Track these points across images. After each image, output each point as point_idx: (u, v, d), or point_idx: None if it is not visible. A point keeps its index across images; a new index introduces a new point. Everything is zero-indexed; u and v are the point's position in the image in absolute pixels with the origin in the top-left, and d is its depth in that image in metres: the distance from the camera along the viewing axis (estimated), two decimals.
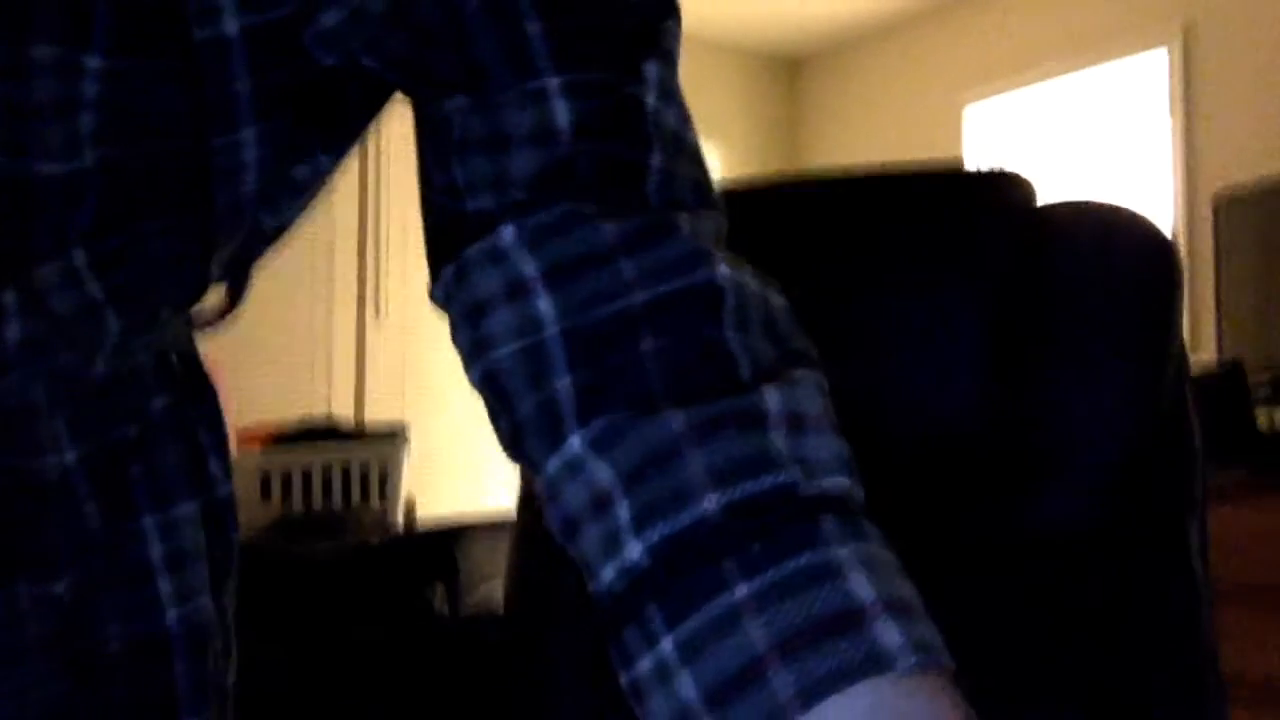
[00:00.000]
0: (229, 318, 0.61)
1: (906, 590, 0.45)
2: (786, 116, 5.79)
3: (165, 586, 0.61)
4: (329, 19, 0.48)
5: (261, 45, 0.48)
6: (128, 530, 0.60)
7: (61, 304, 0.50)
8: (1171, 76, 4.14)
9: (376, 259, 4.67)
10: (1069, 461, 0.78)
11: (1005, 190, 0.82)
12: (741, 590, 0.42)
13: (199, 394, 0.67)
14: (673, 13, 0.52)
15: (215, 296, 0.60)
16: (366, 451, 2.93)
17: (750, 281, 0.50)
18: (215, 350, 0.64)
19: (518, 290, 0.48)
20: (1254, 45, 3.91)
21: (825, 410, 0.49)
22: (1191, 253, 3.98)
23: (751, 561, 0.43)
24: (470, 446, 4.83)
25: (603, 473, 0.45)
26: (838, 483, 0.46)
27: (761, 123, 5.72)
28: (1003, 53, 4.78)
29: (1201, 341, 3.90)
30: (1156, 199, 4.08)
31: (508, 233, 0.48)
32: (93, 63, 0.45)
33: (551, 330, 0.47)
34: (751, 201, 0.87)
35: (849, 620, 0.42)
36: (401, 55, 0.51)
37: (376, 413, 4.53)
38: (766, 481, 0.44)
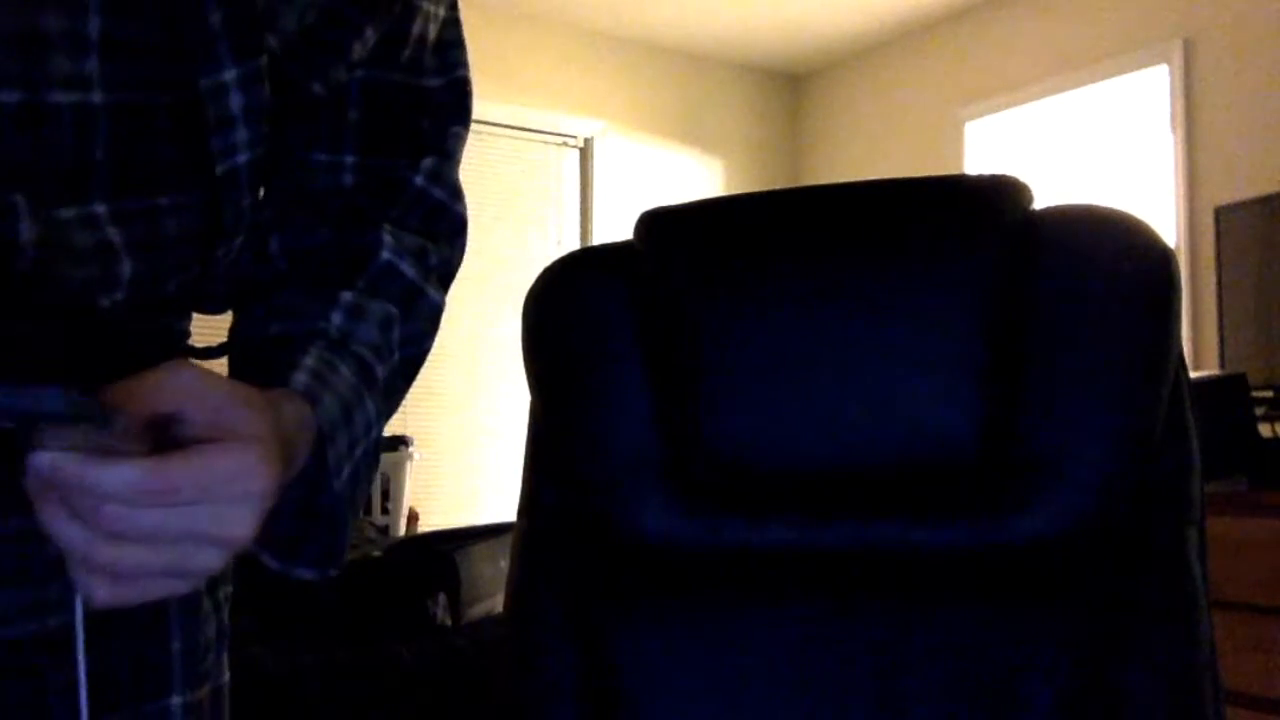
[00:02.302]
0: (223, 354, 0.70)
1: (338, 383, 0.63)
2: (788, 132, 5.81)
3: None
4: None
5: None
6: None
7: (80, 242, 0.57)
8: (1172, 93, 4.15)
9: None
10: (1066, 468, 0.78)
11: (1002, 195, 0.82)
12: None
13: None
14: (461, 122, 0.75)
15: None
16: None
17: (410, 269, 0.70)
18: (220, 363, 0.66)
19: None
20: (1254, 61, 3.92)
21: (385, 320, 0.69)
22: (1194, 267, 3.98)
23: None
24: (470, 458, 4.83)
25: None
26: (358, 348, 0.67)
27: (763, 138, 5.73)
28: (1004, 70, 4.79)
29: (1204, 355, 3.90)
30: (1158, 214, 4.08)
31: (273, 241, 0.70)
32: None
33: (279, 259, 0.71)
34: (751, 210, 0.88)
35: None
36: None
37: None
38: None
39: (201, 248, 0.63)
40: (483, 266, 4.91)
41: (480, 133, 4.95)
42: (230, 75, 0.59)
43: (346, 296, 0.67)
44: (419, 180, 0.72)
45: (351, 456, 0.63)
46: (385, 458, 2.98)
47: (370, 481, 0.68)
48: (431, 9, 0.72)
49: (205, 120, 0.59)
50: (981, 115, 4.86)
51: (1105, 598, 0.78)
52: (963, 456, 0.79)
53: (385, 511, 2.85)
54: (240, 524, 0.49)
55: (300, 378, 0.60)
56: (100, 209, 0.57)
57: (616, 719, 0.84)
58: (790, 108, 5.82)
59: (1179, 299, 0.80)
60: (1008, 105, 4.76)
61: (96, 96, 0.55)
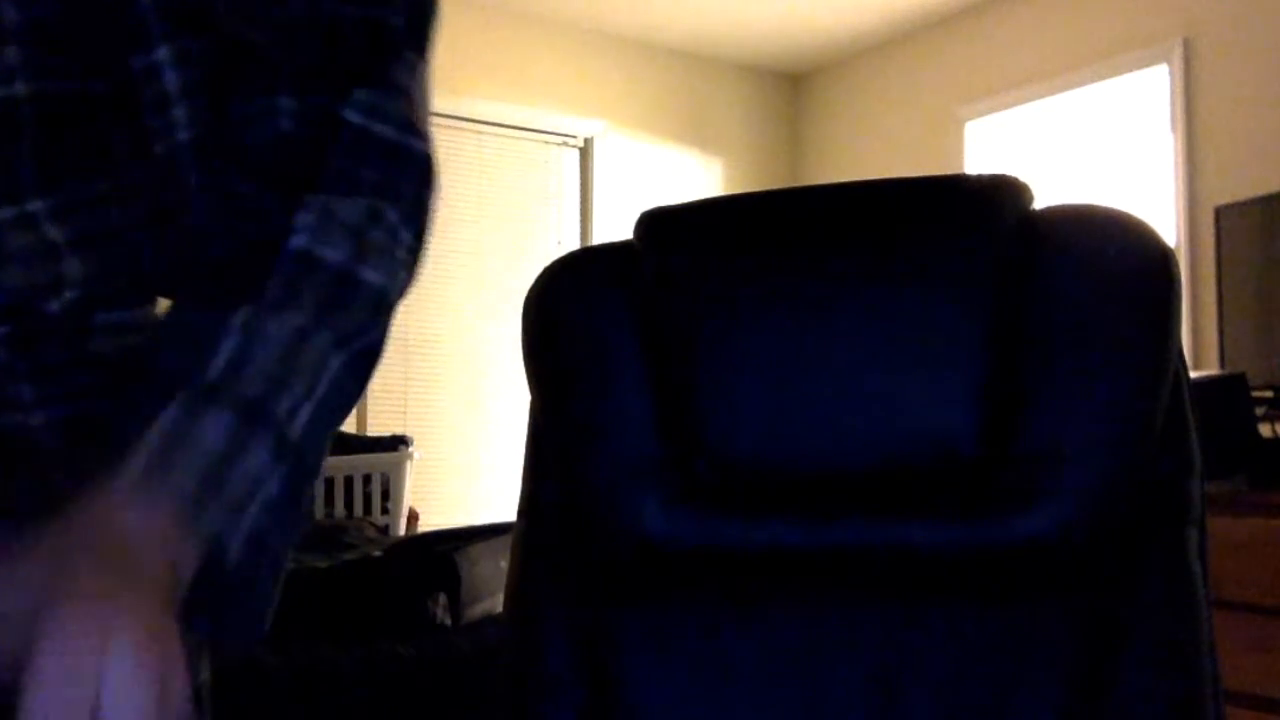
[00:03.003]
0: None
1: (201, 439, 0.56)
2: (788, 132, 5.81)
3: None
4: None
5: None
6: None
7: (16, 242, 0.54)
8: (1173, 92, 4.15)
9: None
10: (1066, 468, 0.78)
11: (1002, 195, 0.82)
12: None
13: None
14: (414, 48, 0.66)
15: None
16: (370, 461, 2.93)
17: (335, 253, 0.62)
18: None
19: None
20: (1254, 61, 3.91)
21: (291, 343, 0.60)
22: (1194, 267, 3.98)
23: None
24: (470, 458, 4.83)
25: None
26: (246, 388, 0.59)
27: (763, 138, 5.73)
28: (1004, 69, 4.79)
29: (1205, 355, 3.90)
30: (1158, 214, 4.08)
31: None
32: None
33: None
34: (751, 209, 0.88)
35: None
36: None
37: (378, 424, 4.53)
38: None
39: (152, 234, 0.60)
40: (483, 266, 4.91)
41: (480, 132, 4.95)
42: (163, 54, 0.57)
43: (235, 322, 0.58)
44: (355, 117, 0.63)
45: (239, 521, 0.55)
46: (385, 458, 2.98)
47: (293, 526, 0.61)
48: None
49: (140, 102, 0.56)
50: (981, 115, 4.86)
51: (1105, 598, 0.78)
52: (963, 456, 0.79)
53: (385, 511, 2.85)
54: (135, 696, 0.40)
55: (135, 467, 0.51)
56: (36, 206, 0.55)
57: (616, 718, 0.84)
58: (790, 108, 5.82)
59: (1179, 298, 0.80)
60: (1008, 105, 4.76)
61: (19, 88, 0.53)
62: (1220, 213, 3.51)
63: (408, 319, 4.73)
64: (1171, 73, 4.15)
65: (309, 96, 0.62)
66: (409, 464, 2.91)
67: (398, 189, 0.64)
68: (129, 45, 0.55)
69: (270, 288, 0.59)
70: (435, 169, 0.67)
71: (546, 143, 5.17)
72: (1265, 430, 2.91)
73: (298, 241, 0.60)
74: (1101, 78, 4.40)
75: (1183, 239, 4.05)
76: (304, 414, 0.58)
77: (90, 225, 0.57)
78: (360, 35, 0.63)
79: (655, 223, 0.89)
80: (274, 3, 0.60)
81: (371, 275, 0.62)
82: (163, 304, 0.65)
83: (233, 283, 0.60)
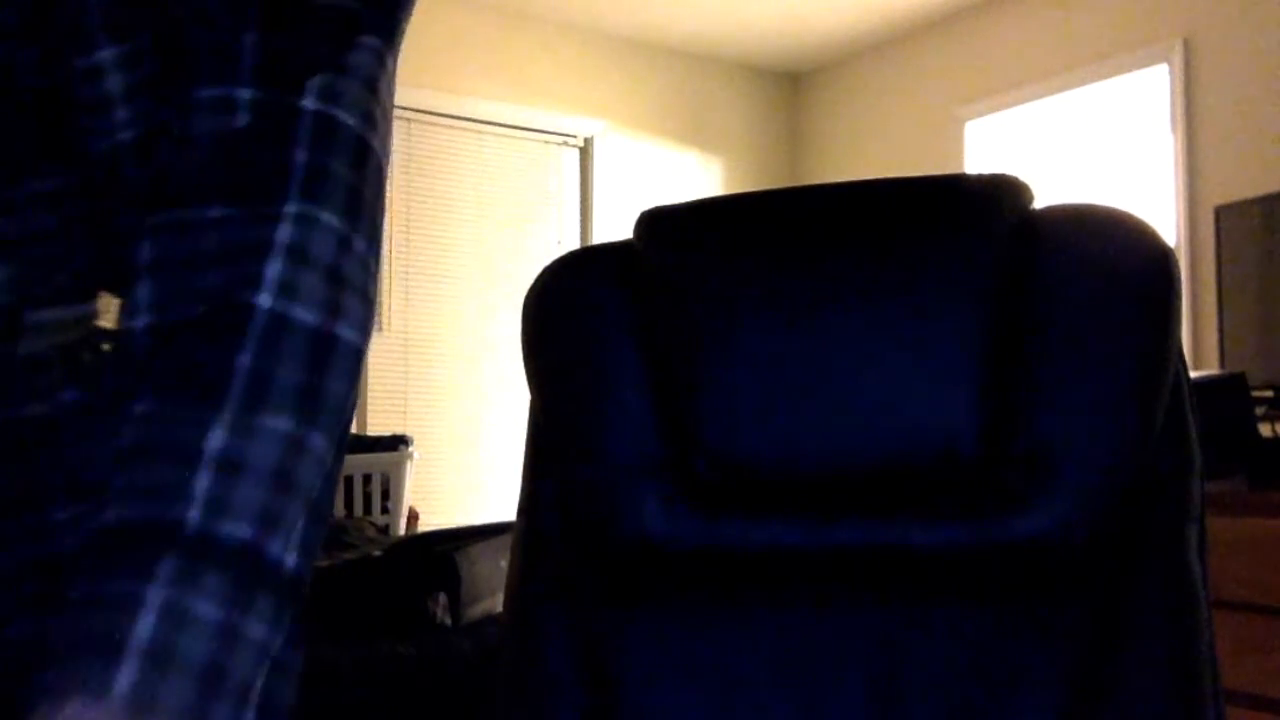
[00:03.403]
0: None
1: (187, 652, 0.47)
2: (788, 132, 5.81)
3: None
4: None
5: None
6: (29, 524, 0.58)
7: None
8: (1173, 92, 4.15)
9: (379, 273, 4.68)
10: (1066, 468, 0.78)
11: (1002, 194, 0.82)
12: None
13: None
14: (377, 32, 0.59)
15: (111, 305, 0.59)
16: (370, 461, 2.93)
17: (309, 310, 0.54)
18: None
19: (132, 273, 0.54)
20: (1254, 61, 3.91)
21: (280, 465, 0.52)
22: (1194, 267, 3.98)
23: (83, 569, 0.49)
24: (470, 458, 4.83)
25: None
26: (231, 530, 0.50)
27: (763, 138, 5.73)
28: (1004, 69, 4.79)
29: (1205, 355, 3.90)
30: (1158, 214, 4.08)
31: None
32: None
33: (140, 321, 0.53)
34: (751, 209, 0.88)
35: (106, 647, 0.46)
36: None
37: (378, 424, 4.54)
38: (156, 510, 0.49)
39: (91, 233, 0.56)
40: (483, 266, 4.91)
41: (480, 132, 4.95)
42: (107, 55, 0.53)
43: (214, 442, 0.50)
44: (312, 103, 0.56)
45: (244, 709, 0.49)
46: (385, 458, 2.98)
47: (288, 692, 0.53)
48: None
49: (79, 102, 0.53)
50: (981, 115, 4.86)
51: (1105, 597, 0.78)
52: (962, 455, 0.79)
53: (385, 511, 2.85)
54: None
55: (122, 685, 0.45)
56: None
57: (616, 718, 0.84)
58: (790, 107, 5.82)
59: (1179, 298, 0.80)
60: (1008, 105, 4.76)
61: None
62: (1220, 213, 3.50)
63: (408, 319, 4.73)
64: (1171, 73, 4.15)
65: (268, 86, 0.55)
66: (409, 464, 2.91)
67: (360, 196, 0.58)
68: (71, 45, 0.53)
69: (241, 360, 0.52)
70: (386, 174, 0.62)
71: (546, 143, 5.17)
72: (1265, 430, 2.91)
73: (262, 301, 0.53)
74: (1101, 78, 4.40)
75: (1183, 239, 4.05)
76: (297, 539, 0.52)
77: (22, 228, 0.53)
78: (324, 20, 0.57)
79: (655, 222, 0.89)
80: None
81: (348, 334, 0.55)
82: (106, 302, 0.60)
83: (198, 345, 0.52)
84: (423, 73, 4.80)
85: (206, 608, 0.48)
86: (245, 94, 0.55)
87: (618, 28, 5.23)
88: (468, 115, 4.89)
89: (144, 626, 0.46)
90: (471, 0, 4.92)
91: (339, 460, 0.56)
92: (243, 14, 0.55)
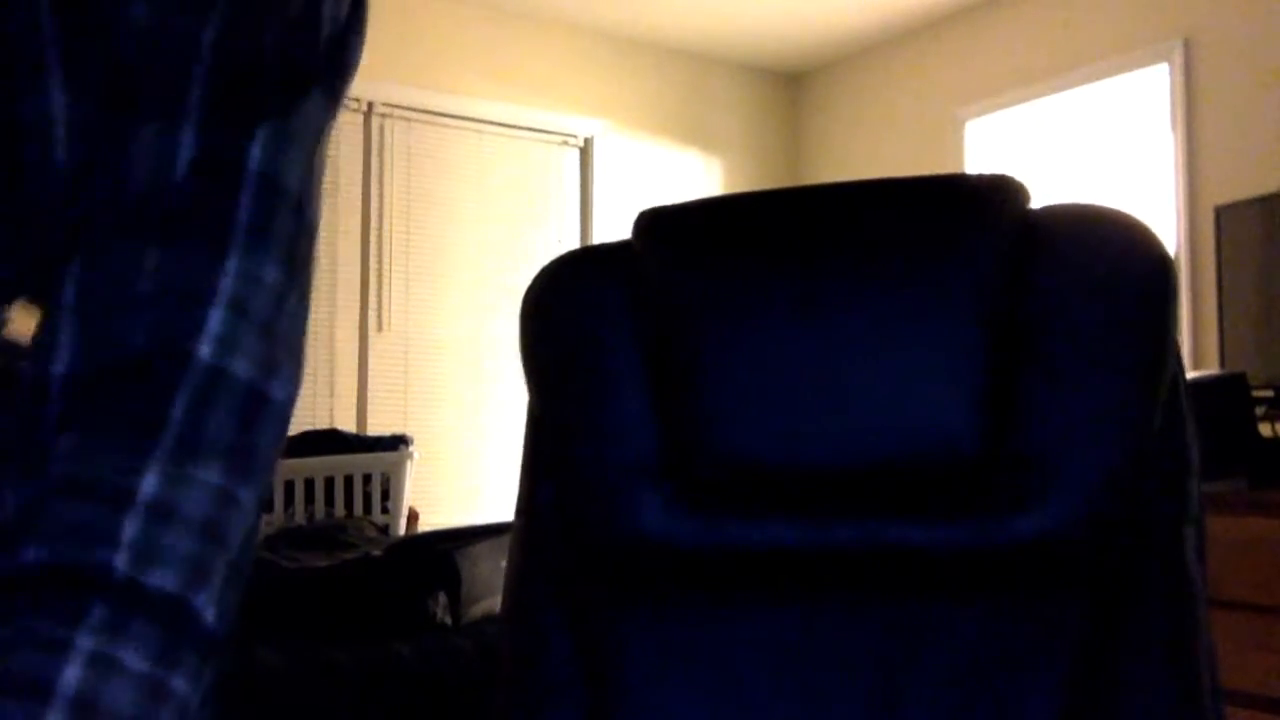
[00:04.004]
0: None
1: (113, 704, 0.46)
2: (788, 131, 5.81)
3: None
4: None
5: None
6: None
7: None
8: (1173, 92, 4.15)
9: (379, 272, 4.68)
10: (1065, 468, 0.78)
11: (1001, 194, 0.82)
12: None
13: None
14: (302, 94, 0.57)
15: (27, 318, 0.57)
16: (370, 461, 2.93)
17: (246, 366, 0.53)
18: None
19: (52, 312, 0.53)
20: (1254, 61, 3.91)
21: (209, 517, 0.51)
22: (1194, 267, 3.98)
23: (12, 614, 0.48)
24: (470, 458, 4.83)
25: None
26: (159, 582, 0.49)
27: (763, 138, 5.73)
28: (1004, 69, 4.79)
29: (1205, 355, 3.90)
30: (1158, 214, 4.08)
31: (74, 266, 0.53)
32: None
33: (60, 363, 0.52)
34: (750, 209, 0.88)
35: (33, 692, 0.45)
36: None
37: (378, 424, 4.54)
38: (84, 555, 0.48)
39: (16, 259, 0.55)
40: (483, 266, 4.91)
41: (480, 132, 4.95)
42: (57, 93, 0.52)
43: (147, 487, 0.49)
44: (257, 163, 0.55)
45: None
46: (385, 457, 2.98)
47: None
48: None
49: (20, 122, 0.51)
50: (981, 115, 4.86)
51: (1104, 596, 0.78)
52: (962, 455, 0.79)
53: (385, 511, 2.85)
54: None
55: None
56: None
57: (616, 718, 0.84)
58: (790, 107, 5.82)
59: (1176, 297, 0.80)
60: (1008, 105, 4.76)
61: None
62: (1220, 213, 3.50)
63: (408, 319, 4.73)
64: (1171, 73, 4.15)
65: (213, 132, 0.54)
66: (409, 464, 2.91)
67: (297, 252, 0.56)
68: (21, 67, 0.51)
69: (175, 408, 0.51)
70: (314, 238, 0.60)
71: (546, 143, 5.17)
72: (1265, 430, 2.92)
73: (202, 352, 0.52)
74: (1101, 77, 4.40)
75: (1183, 239, 4.05)
76: (216, 595, 0.51)
77: None
78: (273, 68, 0.56)
79: (653, 222, 0.89)
80: (187, 28, 0.53)
81: (278, 392, 0.55)
82: (20, 311, 0.58)
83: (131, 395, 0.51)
84: (423, 73, 4.80)
85: (133, 659, 0.47)
86: (189, 137, 0.54)
87: (618, 28, 5.23)
88: (468, 115, 4.89)
89: (71, 674, 0.45)
90: (472, 0, 4.92)
91: (258, 519, 0.55)
92: (194, 54, 0.54)
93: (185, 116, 0.53)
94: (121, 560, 0.48)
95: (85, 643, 0.46)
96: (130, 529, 0.48)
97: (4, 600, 0.47)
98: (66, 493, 0.49)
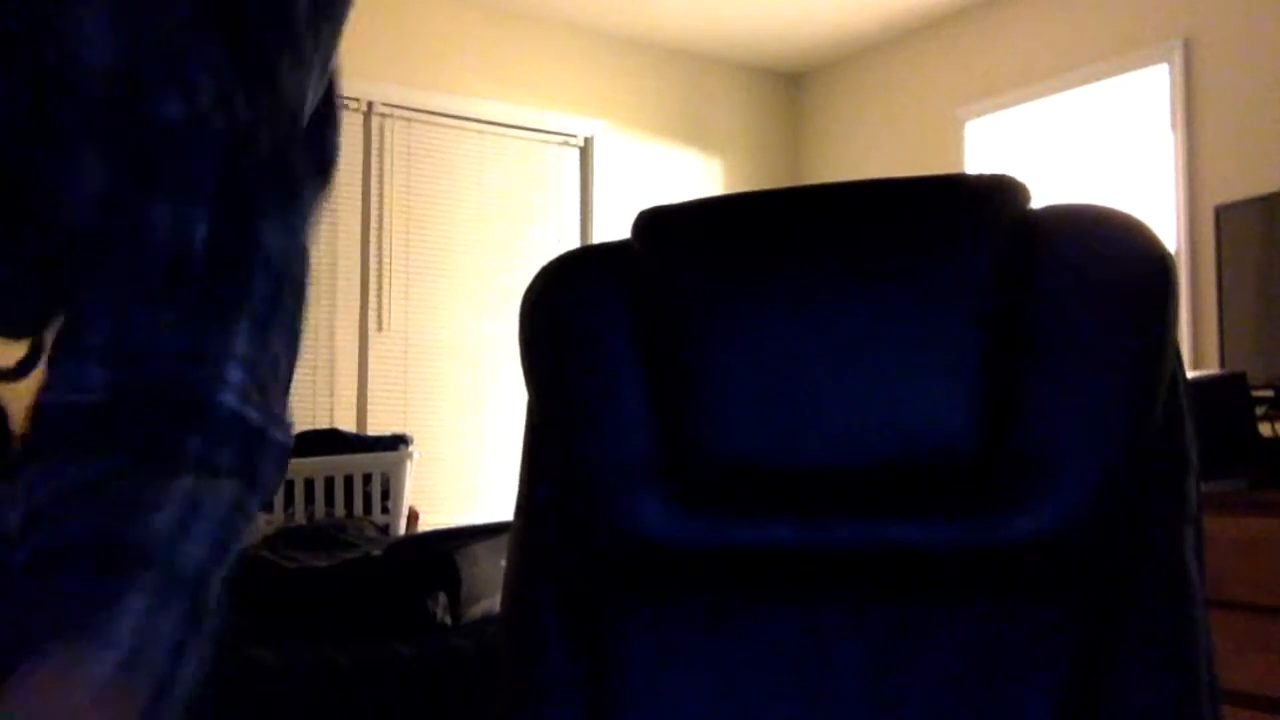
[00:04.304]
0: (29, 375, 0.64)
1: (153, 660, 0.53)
2: (788, 131, 5.81)
3: None
4: None
5: None
6: None
7: None
8: (1173, 92, 4.15)
9: (379, 272, 4.68)
10: (1064, 468, 0.78)
11: (1000, 194, 0.82)
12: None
13: None
14: (304, 184, 0.64)
15: (12, 351, 0.63)
16: (370, 461, 2.93)
17: (252, 415, 0.59)
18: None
19: None
20: (1254, 61, 3.91)
21: (226, 519, 0.58)
22: (1194, 266, 3.98)
23: None
24: (470, 458, 4.83)
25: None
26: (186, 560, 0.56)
27: (763, 138, 5.73)
28: (1004, 69, 4.79)
29: (1205, 355, 3.90)
30: (1158, 214, 4.08)
31: None
32: None
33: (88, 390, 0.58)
34: (750, 209, 0.88)
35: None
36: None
37: (378, 424, 4.54)
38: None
39: (15, 259, 0.59)
40: (482, 265, 4.91)
41: (481, 132, 4.95)
42: (84, 158, 0.56)
43: (175, 494, 0.55)
44: (272, 240, 0.60)
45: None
46: (385, 457, 2.97)
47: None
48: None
49: (39, 194, 0.56)
50: (981, 115, 4.86)
51: (1102, 596, 0.78)
52: (961, 455, 0.79)
53: (385, 511, 2.85)
54: None
55: (107, 665, 0.50)
56: None
57: (615, 718, 0.84)
58: (790, 107, 5.82)
59: (1176, 296, 0.80)
60: (1008, 105, 4.75)
61: None
62: (1220, 213, 3.50)
63: (408, 319, 4.73)
64: (1171, 73, 4.15)
65: (228, 213, 0.58)
66: (409, 464, 2.91)
67: (298, 325, 0.63)
68: (44, 146, 0.55)
69: (201, 444, 0.57)
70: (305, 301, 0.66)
71: (546, 143, 5.17)
72: (1265, 430, 2.92)
73: (225, 399, 0.57)
74: (1101, 78, 4.40)
75: (1183, 239, 4.05)
76: (213, 570, 0.57)
77: None
78: (280, 167, 0.61)
79: (652, 222, 0.89)
80: (213, 127, 0.58)
81: (279, 436, 0.61)
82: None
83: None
84: (422, 73, 4.80)
85: (168, 626, 0.53)
86: (203, 212, 0.58)
87: (617, 28, 5.23)
88: (468, 115, 4.89)
89: (127, 622, 0.51)
90: (471, 0, 4.92)
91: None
92: (213, 149, 0.58)
93: (201, 199, 0.58)
94: (162, 533, 0.55)
95: (138, 601, 0.53)
96: (166, 516, 0.55)
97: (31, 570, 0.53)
98: (88, 491, 0.54)
